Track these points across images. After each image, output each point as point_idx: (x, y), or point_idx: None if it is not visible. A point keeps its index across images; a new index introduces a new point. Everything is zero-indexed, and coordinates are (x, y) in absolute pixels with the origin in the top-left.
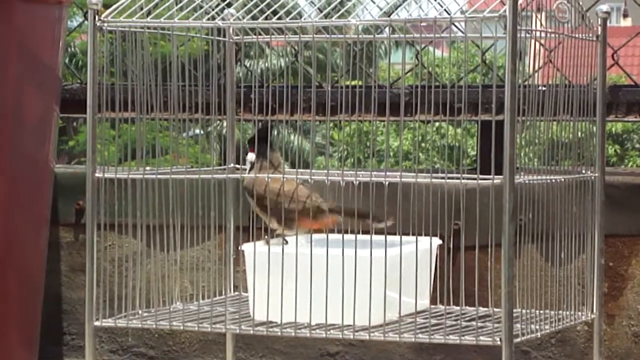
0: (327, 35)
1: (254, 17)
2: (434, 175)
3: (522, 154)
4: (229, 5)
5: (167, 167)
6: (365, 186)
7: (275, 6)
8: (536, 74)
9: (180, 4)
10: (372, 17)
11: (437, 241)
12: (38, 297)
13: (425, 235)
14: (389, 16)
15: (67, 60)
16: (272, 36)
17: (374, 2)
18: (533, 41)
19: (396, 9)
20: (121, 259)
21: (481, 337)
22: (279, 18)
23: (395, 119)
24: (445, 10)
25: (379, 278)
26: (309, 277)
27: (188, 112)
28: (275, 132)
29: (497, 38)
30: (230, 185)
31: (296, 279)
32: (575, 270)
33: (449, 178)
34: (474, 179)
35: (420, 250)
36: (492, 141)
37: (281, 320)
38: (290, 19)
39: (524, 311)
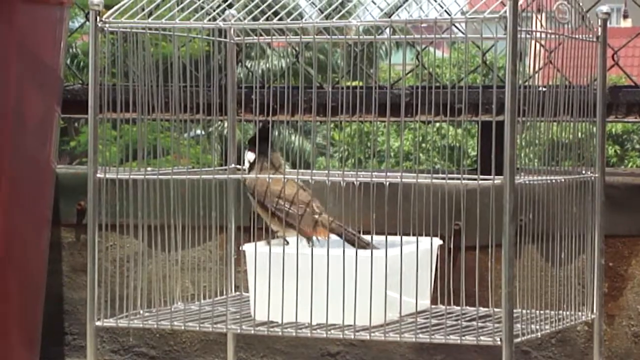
0: (328, 36)
1: (255, 18)
2: (435, 175)
3: (522, 155)
4: (230, 6)
5: (168, 168)
6: (365, 187)
7: (276, 7)
8: (536, 75)
9: (182, 5)
10: (373, 18)
11: (437, 241)
12: (39, 298)
13: (426, 235)
14: (389, 17)
15: (68, 61)
16: (273, 37)
17: (375, 3)
18: (533, 42)
19: (397, 9)
20: (122, 259)
21: (482, 337)
22: (280, 19)
23: (395, 119)
24: (445, 11)
25: (380, 278)
26: (309, 277)
27: (189, 113)
28: (276, 133)
29: (498, 39)
30: (231, 186)
31: (297, 279)
32: (575, 271)
33: (449, 178)
34: (475, 179)
35: (421, 251)
36: (492, 142)
37: (282, 320)
38: (291, 20)
39: (524, 311)
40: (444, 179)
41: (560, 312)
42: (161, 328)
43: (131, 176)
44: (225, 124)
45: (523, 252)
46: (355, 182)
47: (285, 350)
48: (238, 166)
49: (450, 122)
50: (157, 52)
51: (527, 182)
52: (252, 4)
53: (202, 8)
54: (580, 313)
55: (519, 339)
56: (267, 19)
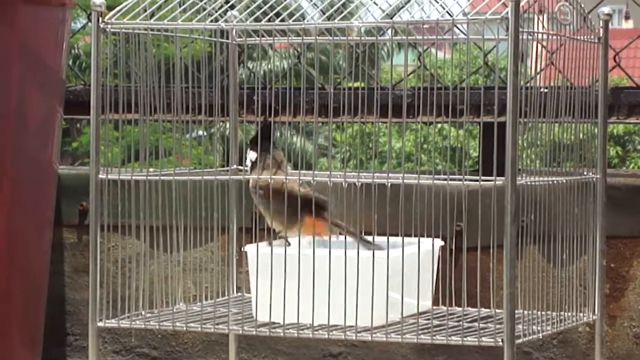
0: (330, 37)
1: (257, 19)
2: (436, 176)
3: (524, 156)
4: (232, 7)
5: (170, 169)
6: (367, 187)
7: (278, 8)
8: (538, 76)
9: (184, 6)
10: (375, 19)
11: (439, 242)
12: (41, 298)
13: (428, 236)
14: (391, 18)
15: (70, 62)
16: (275, 38)
17: (377, 4)
18: (535, 43)
19: (398, 11)
20: (124, 260)
21: (483, 338)
22: (282, 20)
23: (397, 120)
24: (447, 12)
25: (382, 279)
26: (311, 278)
27: (191, 114)
28: (278, 134)
29: (499, 40)
30: (233, 187)
31: (299, 280)
32: (576, 272)
33: (451, 179)
34: (476, 180)
35: (423, 252)
36: (494, 143)
37: (284, 321)
38: (293, 21)
39: (525, 312)
40: (445, 180)
41: (562, 313)
42: (163, 329)
43: (133, 177)
44: (227, 125)
45: (525, 253)
46: (357, 183)
47: (287, 351)
48: (240, 167)
49: (452, 123)
50: (159, 53)
51: (528, 183)
52: (254, 5)
53: (204, 9)
54: (581, 314)
55: (520, 340)
56: (269, 20)
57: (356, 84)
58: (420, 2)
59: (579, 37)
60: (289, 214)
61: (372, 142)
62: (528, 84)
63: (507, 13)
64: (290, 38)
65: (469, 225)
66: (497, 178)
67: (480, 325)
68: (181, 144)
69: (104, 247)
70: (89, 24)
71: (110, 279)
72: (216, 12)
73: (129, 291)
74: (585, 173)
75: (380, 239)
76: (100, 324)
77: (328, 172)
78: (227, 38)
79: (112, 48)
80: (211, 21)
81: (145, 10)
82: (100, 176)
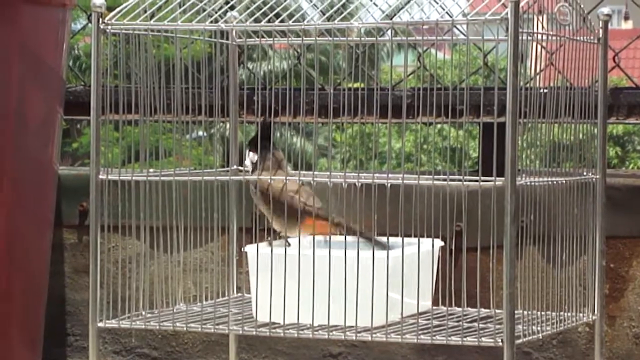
0: (330, 38)
1: (257, 20)
2: (436, 177)
3: (523, 156)
4: (232, 8)
5: (170, 169)
6: (367, 188)
7: (278, 9)
8: (538, 77)
9: (184, 7)
10: (375, 19)
11: (439, 243)
12: (41, 299)
13: (427, 236)
14: (391, 19)
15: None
16: (275, 39)
17: (376, 5)
18: (534, 44)
19: (398, 11)
20: (125, 261)
21: (483, 338)
22: (282, 21)
23: (397, 121)
24: (447, 13)
25: (381, 279)
26: (311, 279)
27: (191, 115)
28: (278, 134)
29: (499, 41)
30: (233, 187)
31: (299, 280)
32: (576, 272)
33: (450, 180)
34: (476, 180)
35: (422, 252)
36: (493, 143)
37: (284, 321)
38: (293, 22)
39: (525, 312)
40: (445, 180)
41: (562, 313)
42: (163, 329)
43: (133, 177)
44: (227, 126)
45: (524, 254)
46: (356, 184)
47: (287, 351)
48: (240, 167)
49: (452, 124)
50: (159, 53)
51: (528, 183)
52: (254, 5)
53: (204, 10)
54: (581, 314)
55: (520, 340)
56: (269, 21)
57: (356, 85)
58: (420, 2)
59: (578, 38)
60: (289, 216)
61: (372, 143)
62: (528, 85)
63: (506, 14)
64: (290, 39)
65: (469, 225)
66: (497, 178)
67: (480, 325)
68: (181, 145)
69: (104, 248)
70: (89, 24)
71: (110, 279)
72: (216, 13)
73: (129, 291)
74: (584, 173)
75: (380, 239)
76: (100, 324)
77: (328, 173)
78: (227, 39)
79: (112, 49)
80: (211, 22)
81: (146, 11)
82: (100, 177)
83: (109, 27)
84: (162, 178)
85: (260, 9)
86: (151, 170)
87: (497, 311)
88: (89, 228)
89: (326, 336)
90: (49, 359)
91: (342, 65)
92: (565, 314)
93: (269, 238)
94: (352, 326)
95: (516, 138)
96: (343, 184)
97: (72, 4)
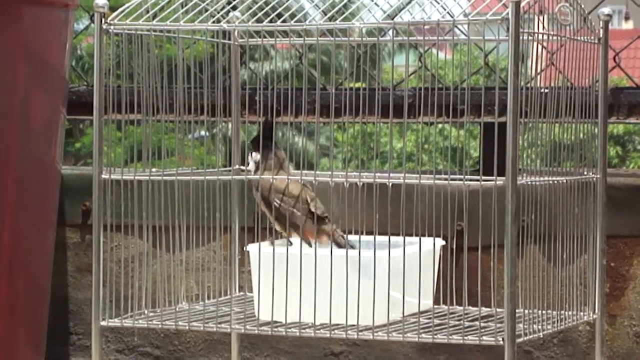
0: (331, 38)
1: (259, 20)
2: (437, 176)
3: (524, 156)
4: (234, 8)
5: (172, 169)
6: (369, 187)
7: (280, 9)
8: (538, 76)
9: (186, 7)
10: (376, 20)
11: (440, 242)
12: (45, 298)
13: (429, 236)
14: (392, 19)
15: (73, 63)
16: (277, 39)
17: (378, 5)
18: (535, 44)
19: (400, 11)
20: (127, 260)
21: (484, 337)
22: (284, 21)
23: (398, 120)
24: (448, 13)
25: (383, 278)
26: (313, 278)
27: (193, 114)
28: (280, 134)
29: (500, 40)
30: (235, 187)
31: (300, 279)
32: (577, 271)
33: (452, 179)
34: (477, 180)
35: (424, 251)
36: (494, 143)
37: (286, 320)
38: (294, 22)
39: (526, 311)
40: (446, 179)
41: (562, 312)
42: (166, 328)
43: (136, 177)
44: (229, 125)
45: (525, 253)
46: (358, 183)
47: (289, 350)
48: (242, 167)
49: (453, 123)
50: (161, 53)
51: (529, 182)
52: (256, 6)
53: (206, 10)
54: (582, 313)
55: (521, 339)
56: (270, 21)
57: (357, 85)
58: (421, 3)
59: (579, 38)
60: (290, 225)
61: (373, 142)
62: (528, 84)
63: (507, 14)
64: (292, 39)
65: (470, 224)
66: (498, 178)
67: (481, 324)
68: (183, 144)
69: (106, 247)
70: (92, 25)
71: (113, 278)
72: (218, 13)
73: (132, 290)
74: (585, 173)
75: (381, 239)
76: (103, 323)
77: (330, 172)
78: (229, 39)
79: (114, 49)
80: (213, 22)
81: (148, 12)
82: (103, 176)
83: (112, 27)
84: (165, 177)
85: (262, 9)
86: (153, 169)
87: (498, 310)
88: (91, 227)
89: (328, 335)
90: (52, 358)
91: (343, 65)
92: (566, 312)
93: (271, 237)
94: (354, 325)
95: (517, 138)
96: (345, 183)
97: (74, 4)
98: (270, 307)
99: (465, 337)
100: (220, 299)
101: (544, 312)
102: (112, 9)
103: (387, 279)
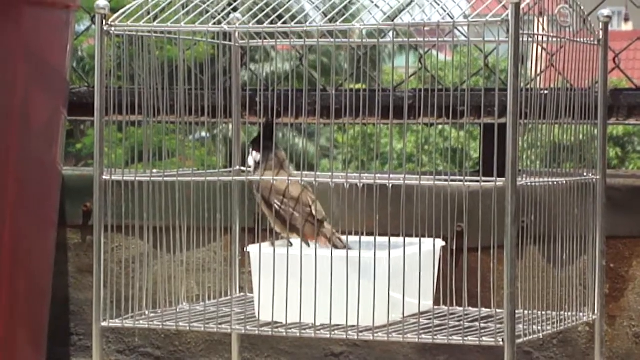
0: (332, 39)
1: (260, 22)
2: (437, 177)
3: (524, 157)
4: (234, 9)
5: (173, 170)
6: (369, 188)
7: (281, 11)
8: (538, 78)
9: (187, 9)
10: (376, 21)
11: (440, 243)
12: (45, 298)
13: (429, 236)
14: (392, 20)
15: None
16: (278, 40)
17: (378, 7)
18: (535, 45)
19: (400, 13)
20: (128, 261)
21: (484, 338)
22: (284, 22)
23: (398, 122)
24: (448, 14)
25: (383, 279)
26: (313, 278)
27: (194, 115)
28: (280, 135)
29: (500, 42)
30: (236, 188)
31: (301, 280)
32: (576, 272)
33: (452, 180)
34: (477, 181)
35: (424, 252)
36: (494, 144)
37: (286, 321)
38: (295, 23)
39: (526, 312)
40: (446, 180)
41: (562, 313)
42: (166, 328)
43: (137, 178)
44: (230, 127)
45: (525, 254)
46: (358, 184)
47: (289, 350)
48: (243, 168)
49: (453, 125)
50: (162, 55)
51: (529, 184)
52: (257, 7)
53: (207, 12)
54: (581, 314)
55: (521, 340)
56: (271, 23)
57: (358, 86)
58: (422, 4)
59: (578, 39)
60: (290, 227)
61: (373, 144)
62: (528, 86)
63: (507, 15)
64: (292, 40)
65: (470, 225)
66: (498, 179)
67: (481, 325)
68: (184, 146)
69: (107, 248)
70: (93, 26)
71: (114, 279)
72: (219, 14)
73: (133, 291)
74: (585, 174)
75: (381, 240)
76: (104, 323)
77: (330, 173)
78: (230, 40)
79: (115, 50)
80: (214, 24)
81: (149, 13)
82: (104, 177)
83: (113, 28)
84: (165, 178)
85: (263, 11)
86: (154, 170)
87: (498, 311)
88: (92, 228)
89: (328, 335)
90: (53, 359)
91: (344, 67)
92: (566, 313)
93: (272, 238)
94: (354, 326)
95: (517, 139)
96: (345, 184)
97: (76, 5)
98: (271, 308)
99: (465, 338)
100: (220, 300)
101: (543, 312)
102: (113, 10)
103: (387, 279)
